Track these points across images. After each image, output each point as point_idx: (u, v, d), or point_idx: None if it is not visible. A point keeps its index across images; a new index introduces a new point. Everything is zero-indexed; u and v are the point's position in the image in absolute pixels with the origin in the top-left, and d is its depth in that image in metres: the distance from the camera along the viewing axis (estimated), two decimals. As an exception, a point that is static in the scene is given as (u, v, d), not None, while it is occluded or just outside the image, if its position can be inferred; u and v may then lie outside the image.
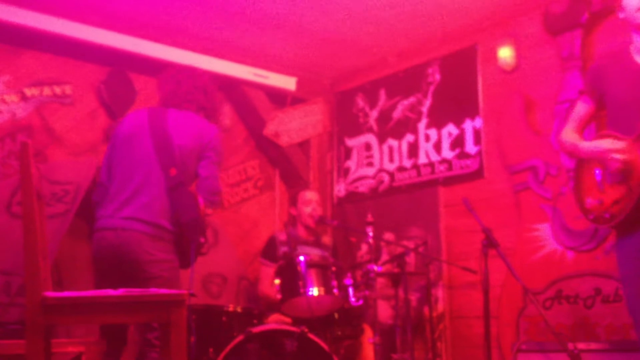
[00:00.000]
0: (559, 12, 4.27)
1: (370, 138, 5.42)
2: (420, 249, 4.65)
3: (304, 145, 5.59)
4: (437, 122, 4.95)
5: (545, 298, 4.14)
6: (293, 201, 4.78)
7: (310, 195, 4.73)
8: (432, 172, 4.92)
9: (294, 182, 5.54)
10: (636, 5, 2.95)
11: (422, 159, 5.01)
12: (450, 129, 4.84)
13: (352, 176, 5.52)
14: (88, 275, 3.67)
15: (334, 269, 3.76)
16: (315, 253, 4.37)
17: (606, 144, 2.94)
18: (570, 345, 3.28)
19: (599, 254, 3.96)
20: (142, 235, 3.33)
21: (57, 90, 4.57)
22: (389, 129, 5.28)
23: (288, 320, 3.97)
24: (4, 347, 2.85)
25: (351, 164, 5.54)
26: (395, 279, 4.05)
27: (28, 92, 4.46)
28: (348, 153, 5.58)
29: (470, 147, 4.70)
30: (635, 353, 3.32)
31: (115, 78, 4.75)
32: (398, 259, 4.05)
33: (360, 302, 3.79)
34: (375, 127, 5.40)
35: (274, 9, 4.54)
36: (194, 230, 3.37)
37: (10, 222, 4.23)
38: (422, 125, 5.04)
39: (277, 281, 3.75)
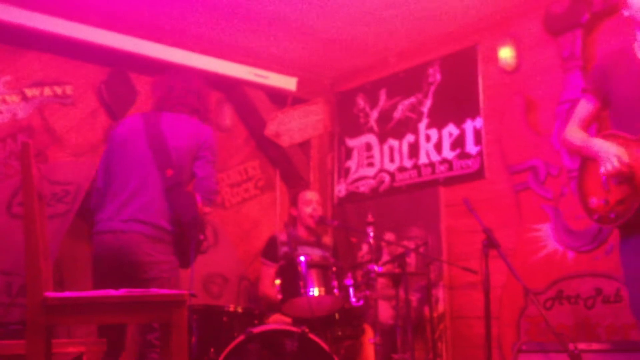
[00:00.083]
0: (559, 12, 4.27)
1: (371, 138, 5.42)
2: (421, 249, 4.66)
3: (304, 145, 5.60)
4: (437, 122, 4.95)
5: (546, 298, 4.13)
6: (293, 201, 4.79)
7: (311, 195, 4.73)
8: (433, 172, 4.92)
9: (295, 183, 5.54)
10: None
11: (422, 159, 5.01)
12: (451, 129, 4.84)
13: (352, 176, 5.52)
14: (89, 275, 3.68)
15: (334, 269, 3.76)
16: (315, 253, 4.37)
17: (614, 147, 2.88)
18: (571, 346, 3.28)
19: (600, 254, 3.96)
20: (141, 237, 3.36)
21: (58, 90, 4.57)
22: (390, 129, 5.28)
23: (288, 320, 3.97)
24: (4, 347, 2.85)
25: (352, 164, 5.54)
26: (396, 279, 4.05)
27: (29, 92, 4.46)
28: (348, 153, 5.58)
29: (470, 147, 4.70)
30: (636, 353, 3.32)
31: (115, 78, 4.75)
32: (399, 259, 4.05)
33: (361, 302, 3.79)
34: (375, 127, 5.40)
35: (274, 9, 4.54)
36: (193, 229, 3.39)
37: (11, 222, 4.23)
38: (422, 126, 5.04)
39: (277, 281, 3.75)
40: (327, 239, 4.83)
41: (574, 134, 3.12)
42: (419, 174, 5.01)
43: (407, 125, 5.15)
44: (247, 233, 5.37)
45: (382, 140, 5.33)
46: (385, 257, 4.95)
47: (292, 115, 5.48)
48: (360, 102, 5.55)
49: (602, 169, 2.90)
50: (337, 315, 3.90)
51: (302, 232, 4.67)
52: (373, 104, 5.45)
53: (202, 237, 3.42)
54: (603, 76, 3.07)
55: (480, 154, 4.64)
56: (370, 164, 5.39)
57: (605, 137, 3.00)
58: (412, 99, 5.14)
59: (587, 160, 3.07)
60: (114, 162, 3.54)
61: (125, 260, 3.34)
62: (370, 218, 3.96)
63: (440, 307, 4.64)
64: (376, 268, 3.80)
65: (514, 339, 4.20)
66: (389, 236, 5.01)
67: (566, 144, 3.19)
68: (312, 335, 3.54)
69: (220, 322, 3.71)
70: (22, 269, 3.46)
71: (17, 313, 4.09)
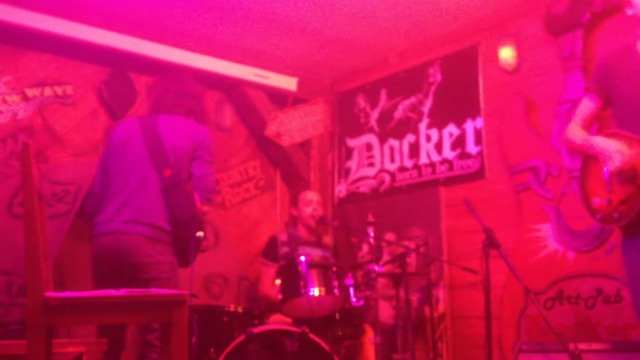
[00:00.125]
0: (559, 12, 4.27)
1: (371, 138, 5.42)
2: (421, 249, 4.66)
3: (304, 145, 5.59)
4: (438, 122, 4.95)
5: (546, 298, 4.13)
6: (294, 201, 4.79)
7: (311, 195, 4.73)
8: (433, 172, 4.92)
9: (295, 183, 5.54)
10: None
11: (423, 159, 5.01)
12: (451, 129, 4.84)
13: (353, 176, 5.52)
14: (89, 275, 3.68)
15: (334, 269, 3.76)
16: (316, 253, 4.37)
17: (616, 144, 2.87)
18: (572, 346, 3.28)
19: (600, 254, 3.96)
20: (141, 237, 3.38)
21: (58, 90, 4.57)
22: (390, 129, 5.28)
23: (289, 320, 3.97)
24: (5, 347, 2.85)
25: (352, 164, 5.54)
26: (396, 279, 4.05)
27: (29, 92, 4.46)
28: (349, 153, 5.58)
29: (471, 147, 4.70)
30: (636, 353, 3.32)
31: (116, 78, 4.75)
32: (399, 259, 4.05)
33: (361, 302, 3.79)
34: (376, 127, 5.40)
35: (275, 9, 4.54)
36: (192, 228, 3.41)
37: (11, 222, 4.23)
38: (423, 126, 5.04)
39: (278, 281, 3.75)
40: (328, 239, 4.83)
41: (576, 132, 3.10)
42: (420, 174, 5.01)
43: (407, 125, 5.15)
44: (247, 233, 5.37)
45: (382, 140, 5.33)
46: (385, 257, 4.95)
47: (292, 115, 5.48)
48: (361, 102, 5.55)
49: (608, 167, 2.87)
50: (337, 315, 3.90)
51: (302, 232, 4.67)
52: (373, 104, 5.45)
53: (201, 235, 3.43)
54: (606, 75, 3.05)
55: (480, 154, 4.64)
56: (371, 164, 5.39)
57: (608, 136, 2.98)
58: (413, 99, 5.14)
59: (589, 159, 3.05)
60: (112, 165, 3.57)
61: (125, 262, 3.36)
62: (370, 218, 3.97)
63: (441, 307, 4.64)
64: (376, 268, 3.80)
65: (514, 339, 4.19)
66: (390, 236, 5.01)
67: (567, 143, 3.17)
68: (312, 335, 3.54)
69: (220, 322, 3.71)
70: (23, 269, 3.46)
71: (17, 313, 4.09)
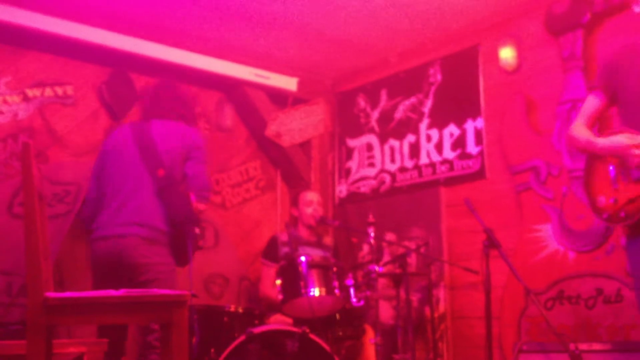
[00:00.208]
0: (560, 13, 4.27)
1: (372, 138, 5.42)
2: (422, 250, 4.65)
3: (305, 145, 5.59)
4: (438, 122, 4.94)
5: (546, 298, 4.13)
6: (294, 202, 4.79)
7: (312, 196, 4.73)
8: (434, 172, 4.92)
9: (296, 183, 5.54)
10: None
11: (423, 160, 5.00)
12: (452, 129, 4.84)
13: (353, 177, 5.52)
14: (89, 275, 3.69)
15: (335, 269, 3.76)
16: (316, 253, 4.37)
17: (625, 139, 2.85)
18: (572, 346, 3.28)
19: (601, 254, 3.96)
20: (137, 239, 3.42)
21: (59, 90, 4.57)
22: (390, 129, 5.28)
23: (289, 320, 3.97)
24: (5, 347, 2.85)
25: (352, 164, 5.54)
26: (397, 280, 4.05)
27: (30, 92, 4.46)
28: (349, 153, 5.58)
29: (471, 148, 4.70)
30: (636, 354, 3.32)
31: (116, 78, 4.75)
32: (399, 260, 4.05)
33: (362, 302, 3.79)
34: (376, 127, 5.40)
35: (275, 9, 4.54)
36: (189, 226, 3.44)
37: (11, 222, 4.24)
38: (423, 126, 5.04)
39: (278, 282, 3.75)
40: (328, 239, 4.83)
41: (580, 131, 3.07)
42: (420, 174, 5.01)
43: (408, 126, 5.15)
44: (247, 233, 5.37)
45: (382, 140, 5.33)
46: (386, 258, 4.95)
47: (292, 115, 5.48)
48: (361, 102, 5.55)
49: (632, 163, 2.82)
50: (337, 316, 3.90)
51: (303, 233, 4.67)
52: (374, 104, 5.45)
53: (197, 232, 3.45)
54: (612, 72, 3.02)
55: (481, 154, 4.64)
56: (371, 164, 5.39)
57: (614, 134, 2.94)
58: (413, 99, 5.14)
59: (593, 158, 3.03)
60: (106, 170, 3.63)
61: (123, 263, 3.40)
62: (371, 218, 3.97)
63: (441, 308, 4.64)
64: (377, 268, 3.80)
65: (514, 339, 4.19)
66: (390, 236, 5.01)
67: (572, 141, 3.13)
68: (312, 336, 3.54)
69: (221, 323, 3.71)
70: (23, 269, 3.47)
71: (18, 313, 4.09)
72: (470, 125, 4.73)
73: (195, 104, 4.04)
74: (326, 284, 3.68)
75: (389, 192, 5.21)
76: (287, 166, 5.56)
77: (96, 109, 4.70)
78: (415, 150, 5.07)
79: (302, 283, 3.63)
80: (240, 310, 3.81)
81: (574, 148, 3.23)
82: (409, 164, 5.10)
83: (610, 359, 3.40)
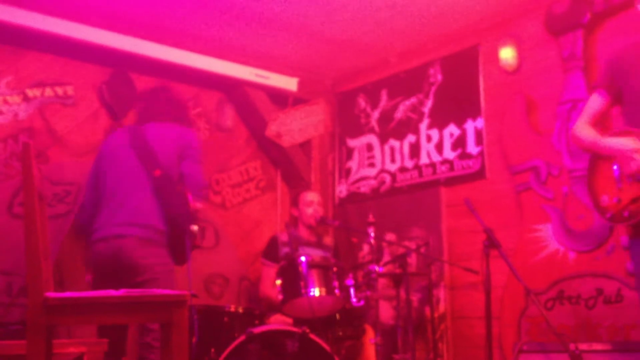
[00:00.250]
0: (560, 13, 4.27)
1: (372, 138, 5.42)
2: (422, 250, 4.65)
3: (305, 145, 5.59)
4: (438, 122, 4.94)
5: (546, 298, 4.13)
6: (294, 202, 4.79)
7: (312, 196, 4.73)
8: (434, 172, 4.92)
9: (296, 183, 5.54)
10: None
11: (423, 160, 5.00)
12: (452, 129, 4.84)
13: (353, 177, 5.52)
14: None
15: (335, 269, 3.76)
16: (316, 254, 4.37)
17: (631, 142, 2.83)
18: (572, 346, 3.28)
19: (601, 254, 3.96)
20: (135, 240, 3.45)
21: (59, 91, 4.57)
22: (391, 129, 5.28)
23: (289, 320, 3.97)
24: (5, 347, 2.85)
25: (353, 164, 5.54)
26: (397, 280, 4.05)
27: (30, 93, 4.46)
28: (349, 153, 5.58)
29: (471, 148, 4.70)
30: (637, 354, 3.32)
31: (116, 78, 4.76)
32: (399, 260, 4.05)
33: (362, 302, 3.79)
34: (376, 127, 5.40)
35: (275, 9, 4.54)
36: (186, 224, 3.49)
37: (11, 222, 4.24)
38: (423, 126, 5.04)
39: (278, 282, 3.75)
40: (328, 240, 4.83)
41: (584, 130, 3.05)
42: (420, 175, 5.01)
43: (408, 126, 5.15)
44: (248, 233, 5.37)
45: (383, 140, 5.33)
46: (386, 258, 4.95)
47: (293, 115, 5.48)
48: (361, 102, 5.55)
49: (628, 168, 2.82)
50: (338, 316, 3.90)
51: (303, 233, 4.67)
52: (374, 104, 5.45)
53: (195, 229, 3.48)
54: (616, 71, 3.00)
55: (481, 154, 4.64)
56: (371, 165, 5.39)
57: (618, 134, 2.94)
58: (413, 99, 5.14)
59: (596, 157, 3.01)
60: (103, 174, 3.66)
61: (121, 265, 3.42)
62: (371, 218, 3.97)
63: (441, 308, 4.64)
64: (377, 268, 3.80)
65: (514, 339, 4.19)
66: (390, 236, 5.01)
67: (576, 140, 3.11)
68: (312, 336, 3.54)
69: (221, 323, 3.72)
70: (23, 269, 3.47)
71: (18, 313, 4.09)
72: (470, 125, 4.73)
73: (190, 106, 4.07)
74: (326, 284, 3.68)
75: (389, 192, 5.21)
76: (287, 166, 5.57)
77: (96, 109, 4.71)
78: (415, 150, 5.07)
79: (302, 283, 3.63)
80: (240, 310, 3.81)
81: (577, 147, 3.21)
82: (409, 164, 5.10)
83: (610, 359, 3.40)
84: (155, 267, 3.42)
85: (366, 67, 5.46)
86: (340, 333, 3.91)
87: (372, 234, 3.93)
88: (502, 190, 4.49)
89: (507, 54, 4.55)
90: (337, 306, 3.79)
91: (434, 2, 4.45)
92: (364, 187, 5.41)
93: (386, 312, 4.73)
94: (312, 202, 4.68)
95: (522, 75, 4.48)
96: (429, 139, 4.99)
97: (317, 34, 4.91)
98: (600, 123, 3.11)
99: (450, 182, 4.79)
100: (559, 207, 4.17)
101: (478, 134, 4.67)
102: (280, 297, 3.71)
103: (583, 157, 4.05)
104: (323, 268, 3.72)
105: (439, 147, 4.91)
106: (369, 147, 5.43)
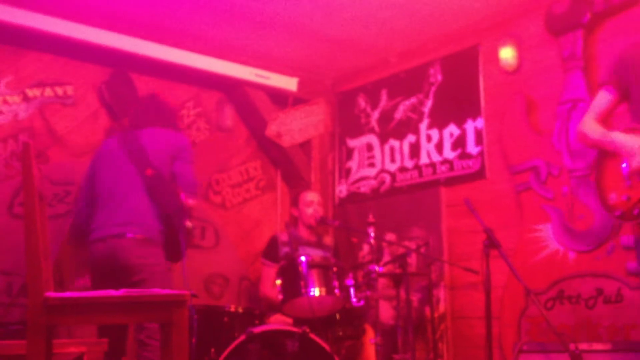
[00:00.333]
0: (560, 12, 4.27)
1: (372, 138, 5.42)
2: (422, 250, 4.65)
3: (305, 145, 5.59)
4: (438, 122, 4.94)
5: (546, 298, 4.13)
6: (294, 202, 4.79)
7: (312, 196, 4.73)
8: (434, 172, 4.92)
9: (296, 183, 5.54)
10: None
11: (423, 160, 5.00)
12: (452, 129, 4.84)
13: (353, 177, 5.51)
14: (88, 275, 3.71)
15: (335, 269, 3.76)
16: (316, 254, 4.37)
17: (639, 139, 2.80)
18: (572, 346, 3.27)
19: (601, 254, 3.96)
20: (132, 240, 3.49)
21: (59, 91, 4.57)
22: (391, 129, 5.28)
23: (289, 320, 3.97)
24: (5, 347, 2.85)
25: (352, 164, 5.54)
26: (397, 280, 4.05)
27: (30, 93, 4.46)
28: (349, 153, 5.58)
29: (471, 148, 4.70)
30: (637, 353, 3.32)
31: (116, 78, 4.76)
32: (400, 260, 4.05)
33: (362, 302, 3.79)
34: (376, 127, 5.40)
35: (275, 9, 4.54)
36: (180, 219, 3.54)
37: (11, 222, 4.24)
38: (423, 126, 5.04)
39: (278, 282, 3.75)
40: (328, 239, 4.83)
41: (591, 127, 3.02)
42: (420, 175, 5.01)
43: (408, 126, 5.15)
44: (248, 233, 5.37)
45: (383, 140, 5.33)
46: (386, 258, 4.95)
47: (293, 115, 5.48)
48: (361, 102, 5.55)
49: (631, 164, 2.80)
50: (338, 316, 3.90)
51: (303, 233, 4.67)
52: (374, 104, 5.45)
53: (189, 224, 3.54)
54: (624, 68, 2.97)
55: (481, 154, 4.64)
56: (371, 165, 5.39)
57: (625, 131, 2.91)
58: (413, 99, 5.14)
59: (604, 155, 2.99)
60: (98, 177, 3.72)
61: (118, 265, 3.46)
62: (371, 218, 3.97)
63: (441, 308, 4.64)
64: (377, 268, 3.80)
65: (514, 339, 4.19)
66: (390, 236, 5.01)
67: (582, 136, 3.08)
68: (313, 336, 3.54)
69: (221, 322, 3.72)
70: (23, 269, 3.47)
71: (18, 313, 4.09)
72: (470, 125, 4.73)
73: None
74: (326, 283, 3.68)
75: (389, 192, 5.21)
76: (287, 166, 5.56)
77: (96, 109, 4.71)
78: (415, 150, 5.07)
79: (302, 283, 3.63)
80: (240, 310, 3.81)
81: (583, 143, 3.17)
82: (409, 164, 5.10)
83: (610, 359, 3.40)
84: (151, 267, 3.46)
85: (366, 67, 5.46)
86: (340, 333, 3.91)
87: (372, 234, 3.92)
88: (502, 190, 4.49)
89: (507, 54, 4.55)
90: (337, 306, 3.79)
91: (434, 2, 4.45)
92: (364, 187, 5.41)
93: (386, 312, 4.73)
94: (312, 202, 4.68)
95: (522, 75, 4.48)
96: (429, 139, 4.99)
97: (317, 34, 4.91)
98: (605, 121, 3.09)
99: (450, 182, 4.79)
100: (559, 207, 4.17)
101: (478, 134, 4.67)
102: (280, 297, 3.71)
103: (583, 157, 4.07)
104: (323, 268, 3.72)
105: (439, 147, 4.91)
106: (369, 147, 5.43)
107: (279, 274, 3.77)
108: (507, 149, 4.49)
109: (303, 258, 3.71)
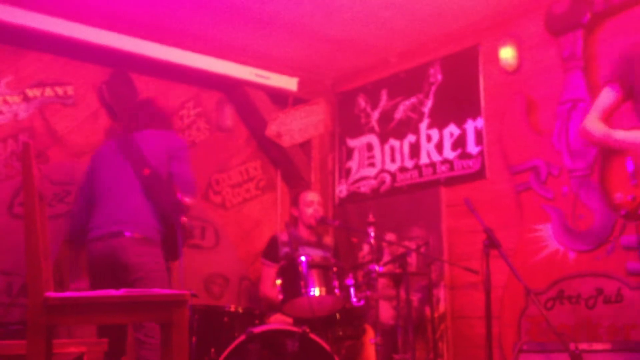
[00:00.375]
0: (560, 13, 4.27)
1: (372, 138, 5.42)
2: (422, 249, 4.65)
3: (305, 145, 5.59)
4: (438, 122, 4.94)
5: (546, 298, 4.13)
6: (294, 202, 4.79)
7: (312, 196, 4.73)
8: (434, 172, 4.92)
9: (296, 183, 5.54)
10: None
11: (423, 160, 5.00)
12: (452, 129, 4.84)
13: (353, 176, 5.51)
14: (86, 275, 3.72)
15: (335, 269, 3.76)
16: (316, 253, 4.37)
17: None
18: (572, 346, 3.28)
19: (601, 254, 3.96)
20: (130, 239, 3.52)
21: (59, 91, 4.57)
22: (391, 129, 5.28)
23: (289, 320, 3.97)
24: (5, 347, 2.85)
25: (353, 164, 5.54)
26: (397, 279, 4.05)
27: (30, 92, 4.46)
28: (349, 153, 5.58)
29: (471, 148, 4.70)
30: (637, 353, 3.32)
31: (117, 78, 4.76)
32: (400, 259, 4.05)
33: (362, 302, 3.79)
34: (376, 127, 5.40)
35: (275, 9, 4.54)
36: (177, 216, 3.58)
37: (11, 222, 4.24)
38: (423, 126, 5.04)
39: (278, 281, 3.75)
40: (328, 239, 4.83)
41: (595, 125, 3.00)
42: (420, 174, 5.01)
43: (408, 126, 5.15)
44: (248, 233, 5.37)
45: (383, 140, 5.33)
46: (386, 257, 4.95)
47: (293, 115, 5.48)
48: (361, 102, 5.55)
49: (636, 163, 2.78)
50: (338, 316, 3.90)
51: (303, 233, 4.67)
52: (374, 104, 5.45)
53: (185, 221, 3.59)
54: (629, 66, 2.95)
55: (481, 154, 4.64)
56: (371, 164, 5.39)
57: (629, 129, 2.90)
58: (413, 99, 5.14)
59: (609, 153, 2.97)
60: (97, 179, 3.76)
61: (117, 264, 3.48)
62: (371, 218, 3.97)
63: (441, 307, 4.64)
64: (377, 268, 3.80)
65: (515, 338, 4.19)
66: (390, 236, 5.01)
67: (586, 134, 3.05)
68: (313, 335, 3.54)
69: (221, 322, 3.72)
70: (23, 269, 3.48)
71: (18, 313, 4.09)
72: (470, 125, 4.73)
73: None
74: (326, 283, 3.68)
75: (389, 192, 5.21)
76: (287, 166, 5.56)
77: (96, 109, 4.71)
78: (415, 150, 5.07)
79: (302, 283, 3.63)
80: (240, 310, 3.81)
81: (587, 141, 3.15)
82: (409, 164, 5.10)
83: (610, 359, 3.40)
84: (148, 265, 3.48)
85: (366, 67, 5.46)
86: (340, 333, 3.91)
87: (372, 234, 3.92)
88: (502, 190, 4.49)
89: (507, 54, 4.54)
90: (337, 306, 3.79)
91: (434, 2, 4.45)
92: (364, 187, 5.41)
93: (386, 312, 4.73)
94: (312, 202, 4.68)
95: (522, 75, 4.48)
96: (429, 138, 4.99)
97: (317, 34, 4.91)
98: (607, 120, 3.07)
99: (450, 182, 4.79)
100: (559, 207, 4.17)
101: (478, 134, 4.67)
102: (280, 296, 3.71)
103: (583, 157, 4.07)
104: (323, 268, 3.72)
105: (439, 147, 4.91)
106: (369, 147, 5.43)
107: (279, 274, 3.77)
108: (507, 149, 4.49)
109: (303, 258, 3.71)
